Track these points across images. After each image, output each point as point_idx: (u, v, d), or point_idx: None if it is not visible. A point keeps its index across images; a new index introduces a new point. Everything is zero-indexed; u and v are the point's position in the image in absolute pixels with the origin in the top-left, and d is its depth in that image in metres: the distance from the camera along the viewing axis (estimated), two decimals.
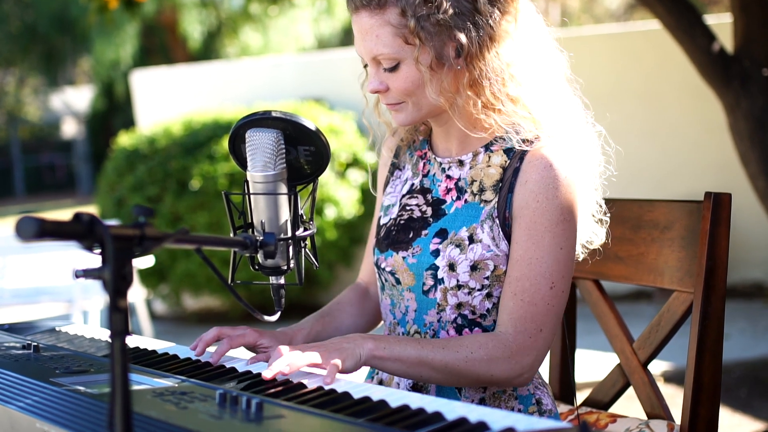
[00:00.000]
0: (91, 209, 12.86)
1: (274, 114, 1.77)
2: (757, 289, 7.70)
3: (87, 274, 1.21)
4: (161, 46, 22.52)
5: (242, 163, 1.84)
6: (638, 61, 7.84)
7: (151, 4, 18.21)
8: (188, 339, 6.14)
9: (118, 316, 1.19)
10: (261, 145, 1.76)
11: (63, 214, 20.49)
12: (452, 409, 1.45)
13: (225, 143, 7.66)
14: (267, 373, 1.68)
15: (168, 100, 9.09)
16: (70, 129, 33.79)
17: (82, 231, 1.16)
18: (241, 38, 21.06)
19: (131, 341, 2.10)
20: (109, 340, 1.19)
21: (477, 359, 1.84)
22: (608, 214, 2.08)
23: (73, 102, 32.06)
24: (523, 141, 1.92)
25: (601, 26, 10.21)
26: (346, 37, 24.06)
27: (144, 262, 7.27)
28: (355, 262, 8.31)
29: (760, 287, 7.71)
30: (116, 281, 1.18)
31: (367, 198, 8.05)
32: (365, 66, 2.02)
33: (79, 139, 32.76)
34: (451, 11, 1.85)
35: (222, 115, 8.08)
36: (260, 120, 1.77)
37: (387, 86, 1.93)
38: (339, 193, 7.66)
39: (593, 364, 5.15)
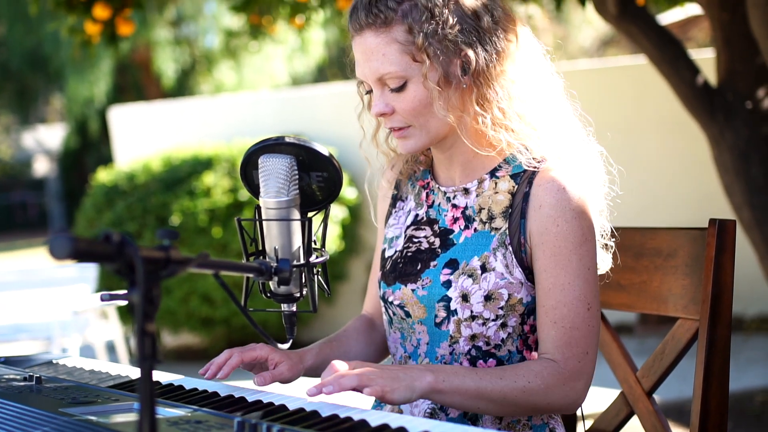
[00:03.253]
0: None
1: (287, 140, 1.76)
2: (736, 322, 7.72)
3: (113, 298, 1.19)
4: (135, 83, 22.48)
5: (253, 190, 1.82)
6: (615, 96, 7.90)
7: (126, 43, 18.19)
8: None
9: (147, 340, 1.17)
10: (274, 171, 1.75)
11: (35, 253, 20.33)
12: None
13: (205, 179, 7.63)
14: (312, 390, 1.67)
15: (146, 136, 9.06)
16: (42, 167, 33.59)
17: (112, 252, 1.15)
18: (216, 76, 21.06)
19: (131, 373, 2.07)
20: (138, 366, 1.17)
21: (534, 388, 1.82)
22: (614, 239, 2.08)
23: (46, 140, 31.90)
24: (530, 161, 1.91)
25: (577, 61, 10.29)
26: (320, 75, 24.13)
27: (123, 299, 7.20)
28: (338, 298, 8.28)
29: (740, 320, 7.74)
30: (145, 304, 1.16)
31: (348, 234, 8.04)
32: (368, 92, 1.97)
33: (52, 177, 32.55)
34: (457, 27, 1.84)
35: (201, 151, 8.06)
36: (273, 146, 1.76)
37: (393, 108, 1.90)
38: (320, 230, 7.62)
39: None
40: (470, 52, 1.85)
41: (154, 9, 17.84)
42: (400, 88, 1.87)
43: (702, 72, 4.80)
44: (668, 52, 4.74)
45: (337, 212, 7.85)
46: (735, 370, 6.32)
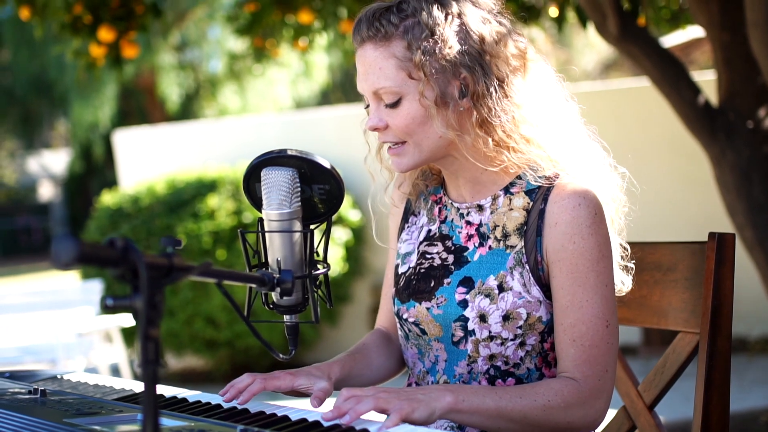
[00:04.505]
0: (73, 271, 12.75)
1: (289, 152, 1.77)
2: (740, 343, 7.72)
3: (117, 303, 1.21)
4: (139, 108, 22.58)
5: (256, 203, 1.84)
6: (616, 118, 7.93)
7: (130, 67, 18.28)
8: None
9: (150, 345, 1.18)
10: (276, 184, 1.76)
11: (40, 277, 20.35)
12: None
13: (209, 201, 7.66)
14: (329, 415, 1.65)
15: (150, 160, 9.10)
16: (46, 192, 33.66)
17: (116, 257, 1.16)
18: (220, 100, 21.14)
19: (135, 387, 2.08)
20: (139, 368, 1.19)
21: (555, 407, 1.80)
22: (634, 261, 2.07)
23: (50, 165, 31.98)
24: (541, 178, 1.90)
25: (580, 84, 10.32)
26: (323, 99, 24.19)
27: (127, 320, 7.22)
28: (341, 320, 8.29)
29: (744, 341, 7.73)
30: (148, 309, 1.18)
31: (352, 256, 8.05)
32: (367, 106, 1.96)
33: (56, 201, 32.62)
34: (457, 48, 1.83)
35: (205, 174, 8.10)
36: (276, 158, 1.78)
37: (386, 123, 1.89)
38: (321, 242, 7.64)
39: None
40: (468, 76, 1.84)
41: (158, 34, 17.95)
42: (395, 104, 1.86)
43: (703, 92, 4.82)
44: (669, 72, 4.76)
45: (341, 234, 7.87)
46: (739, 390, 6.32)
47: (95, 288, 7.19)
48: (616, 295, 2.01)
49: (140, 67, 19.29)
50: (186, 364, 8.47)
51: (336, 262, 7.77)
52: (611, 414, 2.34)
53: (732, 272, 2.04)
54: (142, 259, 1.17)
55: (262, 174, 1.78)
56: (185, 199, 7.82)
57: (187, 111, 21.66)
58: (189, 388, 2.06)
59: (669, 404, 5.65)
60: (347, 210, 7.99)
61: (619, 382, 2.27)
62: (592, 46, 19.53)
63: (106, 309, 1.21)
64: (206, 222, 7.60)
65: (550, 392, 1.81)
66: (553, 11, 5.73)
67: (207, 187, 7.86)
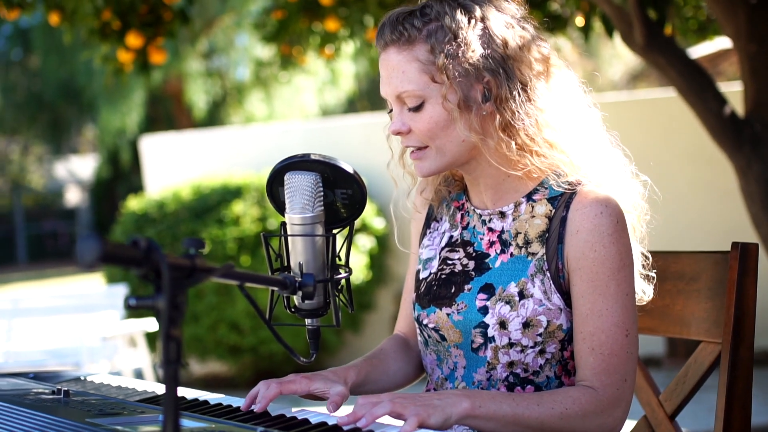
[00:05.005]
0: (98, 274, 12.84)
1: (312, 157, 1.78)
2: (766, 355, 7.66)
3: (140, 303, 1.22)
4: (166, 114, 22.71)
5: (279, 207, 1.85)
6: (642, 128, 7.91)
7: (158, 74, 18.38)
8: None
9: (171, 345, 1.19)
10: (299, 188, 1.77)
11: (66, 281, 20.47)
12: None
13: (234, 207, 7.70)
14: (344, 419, 1.66)
15: (176, 166, 9.14)
16: (73, 197, 33.89)
17: (139, 257, 1.18)
18: (246, 107, 21.22)
19: (157, 389, 2.10)
20: (161, 369, 1.20)
21: (572, 415, 1.80)
22: (655, 270, 2.07)
23: (77, 170, 32.21)
24: (565, 183, 1.90)
25: (606, 94, 10.31)
26: (350, 107, 24.24)
27: (151, 325, 7.26)
28: (364, 327, 8.30)
29: None
30: (170, 310, 1.19)
31: (376, 264, 8.06)
32: (390, 111, 1.96)
33: (83, 207, 32.85)
34: (480, 52, 1.84)
35: (231, 180, 8.13)
36: (299, 163, 1.79)
37: (409, 128, 1.89)
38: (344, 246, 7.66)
39: None
40: (491, 79, 1.85)
41: (186, 41, 18.05)
42: (418, 108, 1.87)
43: (729, 103, 4.80)
44: (695, 83, 4.75)
45: (365, 242, 7.88)
46: (765, 403, 6.27)
47: (120, 292, 7.23)
48: (637, 304, 2.01)
49: (168, 74, 19.41)
50: (210, 370, 8.50)
51: (360, 269, 7.78)
52: (631, 424, 2.34)
53: (755, 282, 2.04)
54: (165, 260, 1.18)
55: (285, 178, 1.80)
56: (210, 205, 7.86)
57: (214, 118, 21.76)
58: (211, 392, 2.07)
59: (693, 415, 5.62)
60: (372, 218, 8.00)
61: (640, 392, 2.26)
62: (619, 56, 19.49)
63: (129, 309, 1.22)
64: (231, 228, 7.63)
65: (568, 400, 1.80)
66: (579, 21, 5.73)
67: (232, 193, 7.90)
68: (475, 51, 1.84)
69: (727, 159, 4.82)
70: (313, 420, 1.74)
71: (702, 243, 7.68)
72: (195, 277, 1.27)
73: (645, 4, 4.64)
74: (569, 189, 1.90)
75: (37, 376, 2.32)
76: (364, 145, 8.47)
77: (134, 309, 1.22)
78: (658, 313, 2.22)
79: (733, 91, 6.81)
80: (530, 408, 1.78)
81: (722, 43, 7.90)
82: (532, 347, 1.89)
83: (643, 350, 7.77)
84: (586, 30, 5.61)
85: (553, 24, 6.28)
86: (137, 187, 18.11)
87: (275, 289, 1.69)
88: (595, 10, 5.47)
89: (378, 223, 8.04)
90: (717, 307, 2.09)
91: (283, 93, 20.58)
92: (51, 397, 1.97)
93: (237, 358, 7.83)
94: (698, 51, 8.69)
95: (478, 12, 1.87)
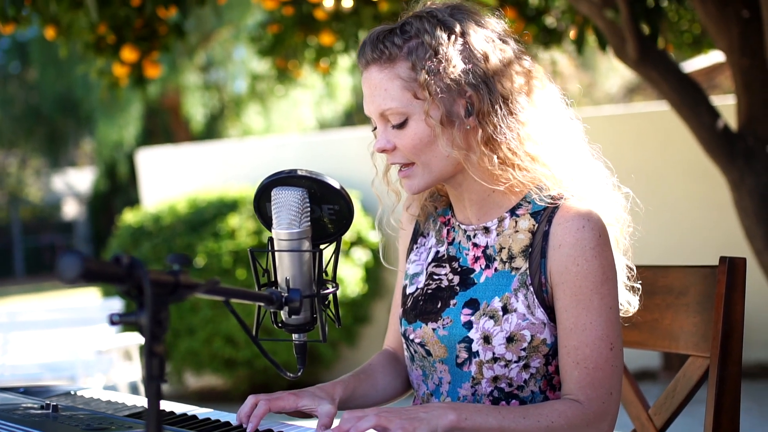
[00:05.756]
0: (94, 288, 12.82)
1: (299, 172, 1.79)
2: (762, 369, 7.66)
3: (123, 319, 1.23)
4: (164, 127, 22.73)
5: (266, 222, 1.85)
6: (637, 142, 7.93)
7: (155, 87, 18.41)
8: None
9: (154, 361, 1.20)
10: (286, 203, 1.78)
11: (62, 295, 20.46)
12: None
13: (230, 221, 7.70)
14: None
15: (173, 179, 9.15)
16: (71, 210, 33.88)
17: (121, 274, 1.18)
18: (244, 121, 21.24)
19: (146, 404, 2.09)
20: (144, 384, 1.20)
21: (558, 429, 1.79)
22: (640, 281, 2.07)
23: (75, 183, 32.20)
24: (547, 197, 1.90)
25: (602, 107, 10.33)
26: (347, 120, 24.27)
27: None
28: (360, 341, 8.29)
29: (765, 368, 7.67)
30: (153, 326, 1.20)
31: (371, 277, 8.06)
32: (374, 129, 1.97)
33: (80, 220, 32.83)
34: (461, 68, 1.85)
35: (227, 193, 8.14)
36: (286, 178, 1.80)
37: (394, 145, 1.90)
38: (343, 272, 7.67)
39: None
40: (474, 94, 1.85)
41: (183, 54, 18.06)
42: (401, 125, 1.87)
43: (722, 116, 4.82)
44: (688, 96, 4.77)
45: (361, 255, 7.88)
46: (759, 416, 6.27)
47: (116, 306, 7.22)
48: (623, 315, 2.03)
49: (165, 87, 19.43)
50: (205, 383, 8.49)
51: (355, 282, 7.78)
52: None
53: (743, 297, 2.04)
54: (147, 276, 1.19)
55: (272, 194, 1.80)
56: (206, 218, 7.86)
57: (211, 131, 21.78)
58: (207, 407, 2.07)
59: (689, 428, 5.61)
60: (367, 231, 8.00)
61: (630, 406, 2.26)
62: (615, 69, 19.50)
63: (113, 324, 1.23)
64: (227, 241, 7.63)
65: (553, 413, 1.80)
66: (573, 34, 5.75)
67: (228, 206, 7.90)
68: (456, 66, 1.85)
69: (721, 173, 4.83)
70: None
71: (697, 256, 7.69)
72: (178, 293, 1.28)
73: (638, 18, 4.66)
74: (551, 203, 1.90)
75: (28, 391, 2.33)
76: (361, 159, 8.42)
77: (117, 325, 1.22)
78: (647, 327, 2.22)
79: (726, 104, 6.83)
80: (516, 421, 1.78)
81: (717, 56, 7.93)
82: (516, 362, 1.89)
83: (639, 363, 7.80)
84: (579, 43, 5.63)
85: (549, 38, 6.31)
86: (135, 200, 18.11)
87: (261, 304, 1.69)
88: (588, 24, 5.49)
89: (374, 237, 8.05)
90: (705, 321, 2.09)
91: (280, 106, 20.61)
92: (39, 412, 1.97)
93: (232, 372, 7.82)
94: (694, 64, 8.73)
95: (458, 27, 1.88)
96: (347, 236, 7.82)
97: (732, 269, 2.03)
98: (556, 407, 1.82)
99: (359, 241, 7.93)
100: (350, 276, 7.72)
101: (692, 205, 7.88)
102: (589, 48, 6.48)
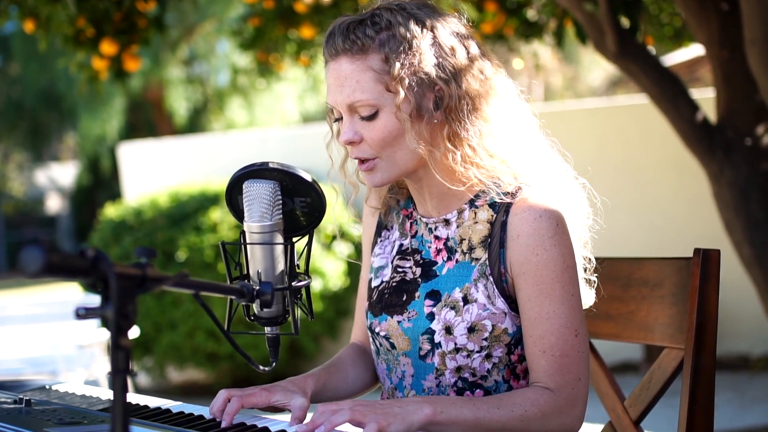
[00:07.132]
0: (76, 282, 12.80)
1: (271, 165, 1.79)
2: (742, 361, 7.70)
3: (89, 312, 1.22)
4: (147, 121, 22.67)
5: (238, 215, 1.85)
6: (620, 135, 7.94)
7: (138, 81, 18.37)
8: None
9: (120, 354, 1.19)
10: (258, 196, 1.77)
11: (45, 289, 20.38)
12: None
13: (212, 214, 7.69)
14: (303, 428, 1.66)
15: (155, 173, 9.12)
16: (54, 204, 33.75)
17: (86, 267, 1.17)
18: (227, 114, 21.21)
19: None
20: (110, 377, 1.20)
21: (532, 417, 1.81)
22: (596, 274, 2.07)
23: (58, 177, 32.08)
24: (505, 194, 1.90)
25: (583, 101, 10.34)
26: None
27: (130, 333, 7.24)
28: (341, 334, 8.29)
29: (746, 359, 7.72)
30: (118, 319, 1.19)
31: (353, 270, 8.05)
32: (337, 120, 1.94)
33: (63, 214, 32.71)
34: (433, 61, 1.85)
35: (209, 187, 8.12)
36: (258, 171, 1.79)
37: (362, 137, 1.88)
38: (325, 265, 7.67)
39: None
40: (444, 88, 1.85)
41: (166, 48, 18.02)
42: (371, 117, 1.86)
43: (702, 109, 4.83)
44: (668, 89, 4.78)
45: (343, 248, 7.88)
46: (739, 407, 6.31)
47: (97, 300, 7.19)
48: None
49: (148, 81, 19.39)
50: (188, 377, 8.48)
51: (337, 276, 7.78)
52: (597, 429, 2.35)
53: (717, 288, 2.05)
54: (113, 269, 1.18)
55: (243, 186, 1.80)
56: (188, 212, 7.84)
57: (194, 125, 21.74)
58: (190, 401, 2.06)
59: (668, 420, 5.63)
60: (349, 224, 7.99)
61: (605, 398, 2.27)
62: (598, 62, 19.53)
63: (78, 318, 1.22)
64: (208, 235, 7.61)
65: (526, 402, 1.81)
66: (553, 27, 5.76)
67: (210, 200, 7.89)
68: (428, 60, 1.85)
69: (700, 165, 4.85)
70: (273, 428, 1.74)
71: (677, 248, 7.67)
72: (145, 286, 1.27)
73: (617, 11, 4.66)
74: (509, 199, 1.90)
75: (2, 385, 2.31)
76: (324, 138, 8.44)
77: (83, 319, 1.22)
78: (623, 319, 2.23)
79: (706, 97, 6.85)
80: (491, 411, 1.79)
81: (699, 49, 7.94)
82: (478, 352, 1.90)
83: (621, 356, 7.83)
84: (559, 36, 5.63)
85: (530, 31, 6.31)
86: (118, 195, 18.04)
87: (233, 297, 1.69)
88: (567, 17, 5.49)
89: (357, 230, 8.04)
90: (681, 312, 2.10)
91: (263, 100, 20.59)
92: (12, 406, 1.96)
93: (215, 366, 7.81)
94: (675, 57, 8.73)
95: (428, 22, 1.88)
96: (329, 230, 7.82)
97: (706, 261, 2.04)
98: (529, 395, 1.83)
99: (341, 235, 7.93)
100: (332, 269, 7.72)
101: (673, 198, 7.90)
102: (572, 41, 6.49)
